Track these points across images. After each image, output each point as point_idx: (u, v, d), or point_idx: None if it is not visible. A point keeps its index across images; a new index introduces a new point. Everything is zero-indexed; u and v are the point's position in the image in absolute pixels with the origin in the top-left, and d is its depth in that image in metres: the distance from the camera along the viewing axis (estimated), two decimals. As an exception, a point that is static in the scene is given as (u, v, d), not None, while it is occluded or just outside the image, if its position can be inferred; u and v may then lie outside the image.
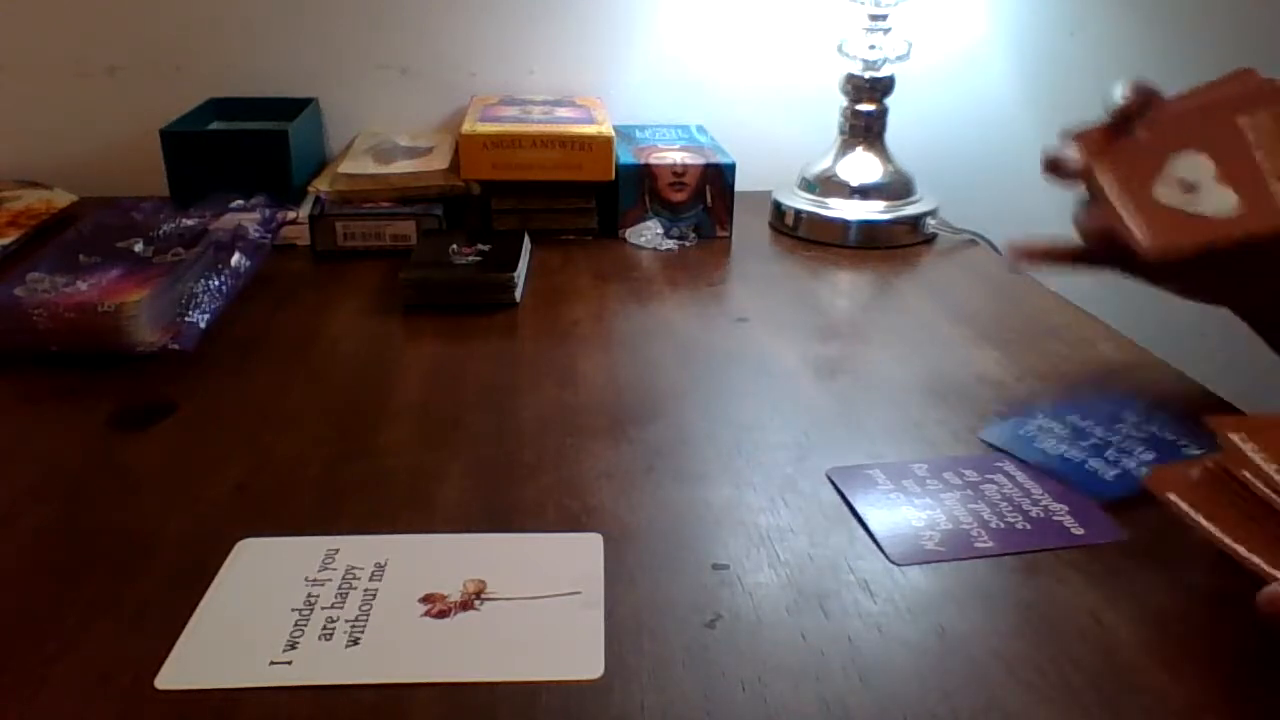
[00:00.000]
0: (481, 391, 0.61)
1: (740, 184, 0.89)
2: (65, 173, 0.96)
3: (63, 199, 0.90)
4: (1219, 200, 0.51)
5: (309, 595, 0.42)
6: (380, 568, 0.44)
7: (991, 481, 0.52)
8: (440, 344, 0.68)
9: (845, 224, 0.89)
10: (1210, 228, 0.51)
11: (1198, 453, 0.52)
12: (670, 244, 0.87)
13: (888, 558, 0.46)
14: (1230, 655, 0.40)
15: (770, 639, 0.41)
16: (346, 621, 0.41)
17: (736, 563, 0.45)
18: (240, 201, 0.81)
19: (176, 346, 0.62)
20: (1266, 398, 0.65)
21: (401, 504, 0.49)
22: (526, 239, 0.81)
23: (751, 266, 0.85)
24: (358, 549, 0.45)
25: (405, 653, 0.39)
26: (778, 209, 0.94)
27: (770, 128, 1.04)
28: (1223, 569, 0.45)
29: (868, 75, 0.89)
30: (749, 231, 0.92)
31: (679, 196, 0.89)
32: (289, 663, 0.39)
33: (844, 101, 0.92)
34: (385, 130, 1.00)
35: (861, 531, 0.48)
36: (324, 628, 0.40)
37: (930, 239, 0.91)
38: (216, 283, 0.69)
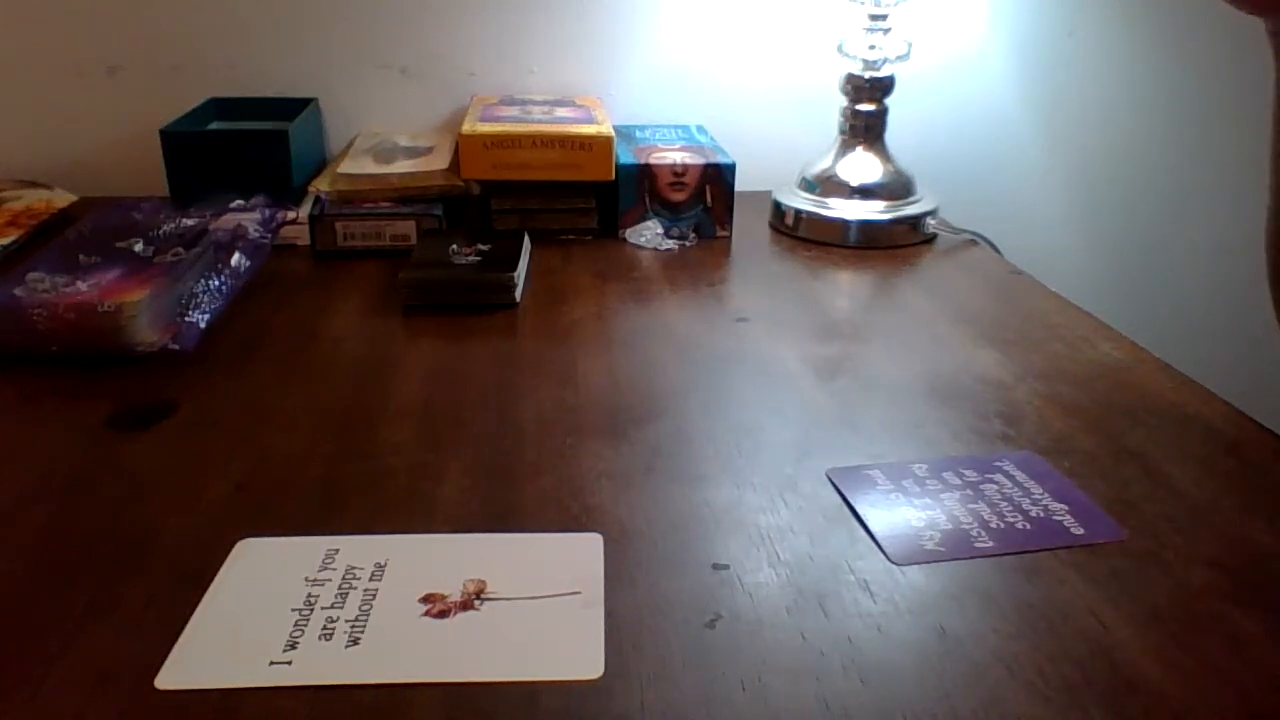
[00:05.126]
0: (481, 391, 0.61)
1: (740, 184, 0.89)
2: (65, 173, 0.96)
3: (63, 199, 0.90)
4: None
5: (309, 595, 0.42)
6: (380, 568, 0.44)
7: (991, 481, 0.52)
8: (440, 344, 0.68)
9: (845, 224, 0.89)
10: None
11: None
12: (670, 244, 0.87)
13: (888, 558, 0.46)
14: (1231, 655, 0.40)
15: (770, 639, 0.41)
16: (346, 621, 0.41)
17: (736, 563, 0.45)
18: (240, 201, 0.81)
19: (176, 346, 0.62)
20: (1266, 398, 0.65)
21: (401, 504, 0.49)
22: (526, 239, 0.81)
23: (751, 266, 0.85)
24: (358, 549, 0.45)
25: (405, 653, 0.39)
26: (778, 209, 0.94)
27: (770, 128, 1.04)
28: (1223, 568, 0.45)
29: (868, 75, 0.90)
30: (749, 231, 0.92)
31: (679, 196, 0.89)
32: (289, 663, 0.39)
33: (844, 101, 0.92)
34: (385, 130, 1.00)
35: (861, 531, 0.48)
36: (324, 628, 0.40)
37: (930, 239, 0.91)
38: (216, 283, 0.69)
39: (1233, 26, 0.56)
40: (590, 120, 0.90)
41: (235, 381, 0.62)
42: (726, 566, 0.45)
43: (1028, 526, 0.48)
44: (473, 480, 0.51)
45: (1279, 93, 0.53)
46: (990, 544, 0.47)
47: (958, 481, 0.52)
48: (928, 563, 0.46)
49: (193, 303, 0.66)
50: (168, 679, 0.38)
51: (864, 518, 0.49)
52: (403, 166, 0.89)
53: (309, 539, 0.46)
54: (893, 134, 0.92)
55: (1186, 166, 1.05)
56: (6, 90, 0.97)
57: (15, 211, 0.86)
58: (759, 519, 0.49)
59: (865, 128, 0.91)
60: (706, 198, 0.89)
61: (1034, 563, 0.46)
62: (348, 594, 0.42)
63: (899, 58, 0.89)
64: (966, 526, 0.48)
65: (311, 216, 0.83)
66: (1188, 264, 1.07)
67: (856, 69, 0.90)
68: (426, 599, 0.42)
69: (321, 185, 0.86)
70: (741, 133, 1.01)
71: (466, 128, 0.86)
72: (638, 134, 0.97)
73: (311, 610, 0.41)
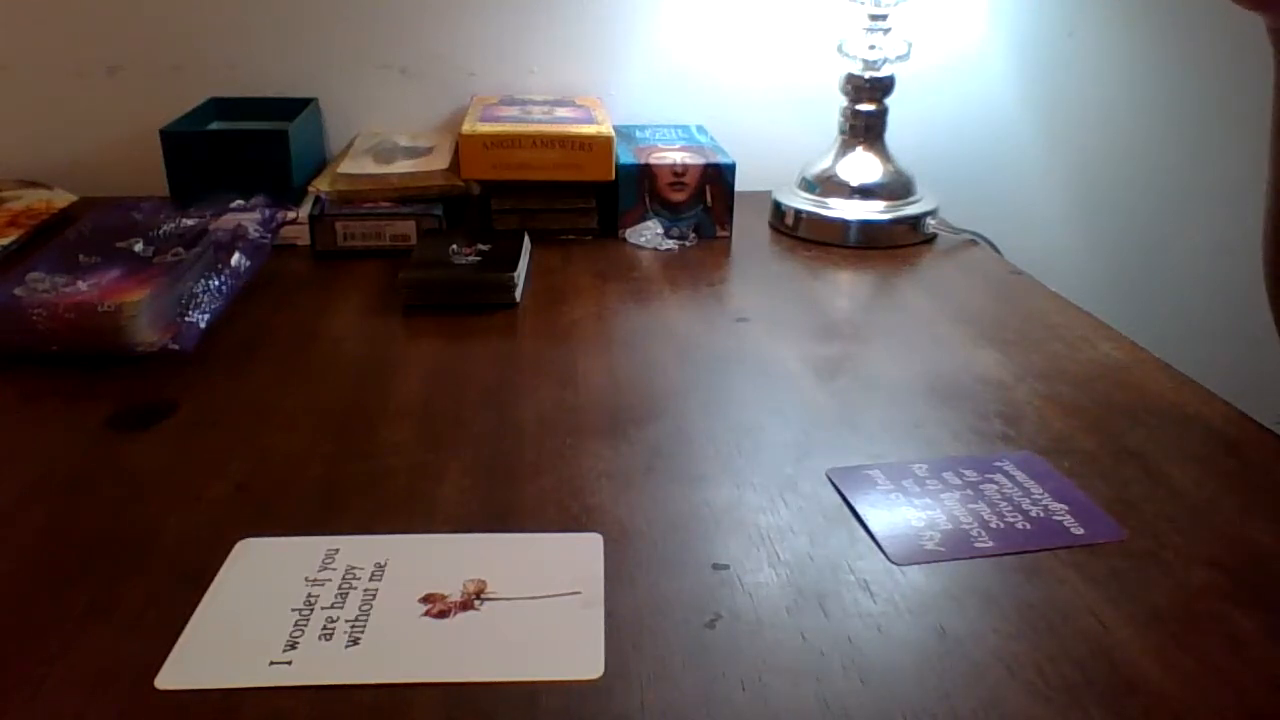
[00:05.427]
0: (481, 391, 0.61)
1: (740, 184, 0.89)
2: (65, 173, 0.96)
3: (63, 199, 0.90)
4: None
5: (309, 595, 0.42)
6: (380, 568, 0.44)
7: (991, 481, 0.52)
8: (440, 344, 0.68)
9: (845, 224, 0.89)
10: None
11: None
12: (670, 244, 0.87)
13: (888, 558, 0.46)
14: (1230, 655, 0.40)
15: (770, 639, 0.41)
16: (346, 621, 0.41)
17: (736, 563, 0.45)
18: (240, 201, 0.81)
19: (176, 346, 0.62)
20: (1266, 398, 0.65)
21: (401, 504, 0.49)
22: (526, 239, 0.81)
23: (751, 266, 0.85)
24: (358, 549, 0.45)
25: (405, 653, 0.39)
26: (778, 209, 0.94)
27: (770, 128, 1.04)
28: (1223, 568, 0.45)
29: (868, 75, 0.89)
30: (749, 231, 0.92)
31: (679, 196, 0.89)
32: (289, 663, 0.39)
33: (844, 101, 0.92)
34: (385, 130, 1.00)
35: (861, 531, 0.48)
36: (324, 628, 0.40)
37: (930, 239, 0.91)
38: (216, 283, 0.69)
39: (1233, 26, 0.56)
40: (590, 120, 0.90)
41: (235, 381, 0.62)
42: (726, 566, 0.45)
43: (1028, 526, 0.48)
44: (473, 480, 0.51)
45: (1279, 91, 0.53)
46: (990, 544, 0.47)
47: (958, 481, 0.52)
48: (928, 563, 0.46)
49: (193, 303, 0.66)
50: (168, 679, 0.38)
51: (864, 518, 0.49)
52: (403, 166, 0.89)
53: (309, 539, 0.46)
54: (893, 134, 0.92)
55: (1186, 166, 1.06)
56: (6, 90, 0.97)
57: (15, 211, 0.86)
58: (759, 519, 0.49)
59: (865, 128, 0.91)
60: (706, 198, 0.89)
61: (1034, 563, 0.46)
62: (348, 594, 0.42)
63: (899, 58, 0.89)
64: (966, 526, 0.48)
65: (311, 216, 0.83)
66: (1188, 264, 1.07)
67: (856, 69, 0.90)
68: (426, 599, 0.42)
69: (321, 185, 0.86)
70: (741, 133, 1.01)
71: (466, 128, 0.86)
72: (638, 134, 0.97)
73: (311, 610, 0.41)
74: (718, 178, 0.89)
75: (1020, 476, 0.52)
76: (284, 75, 0.99)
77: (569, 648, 0.40)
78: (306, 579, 0.43)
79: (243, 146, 0.88)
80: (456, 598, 0.42)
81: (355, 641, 0.40)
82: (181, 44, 0.98)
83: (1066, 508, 0.50)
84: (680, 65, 1.03)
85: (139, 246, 0.70)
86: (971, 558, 0.46)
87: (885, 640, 0.41)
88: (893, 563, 0.45)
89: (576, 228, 0.89)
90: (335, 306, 0.74)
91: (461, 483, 0.51)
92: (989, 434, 0.57)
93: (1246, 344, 0.79)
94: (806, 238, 0.91)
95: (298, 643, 0.40)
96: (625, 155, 0.89)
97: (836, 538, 0.47)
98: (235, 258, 0.72)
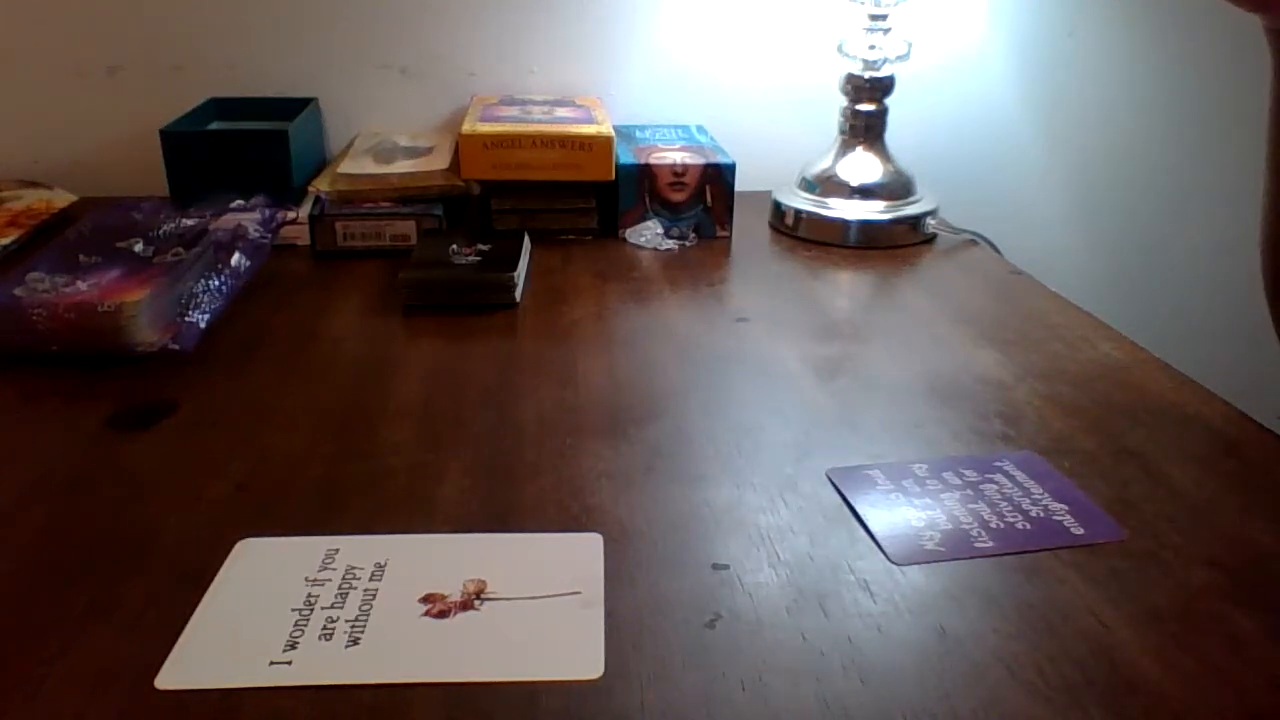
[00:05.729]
0: (481, 391, 0.61)
1: (740, 184, 0.89)
2: (65, 173, 0.96)
3: (63, 199, 0.90)
4: None
5: (309, 595, 0.42)
6: (380, 568, 0.44)
7: (991, 481, 0.52)
8: (440, 344, 0.68)
9: (845, 224, 0.89)
10: None
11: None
12: (670, 244, 0.87)
13: (888, 558, 0.46)
14: (1230, 655, 0.40)
15: (770, 639, 0.41)
16: (346, 621, 0.41)
17: (736, 563, 0.45)
18: (240, 201, 0.81)
19: (176, 346, 0.62)
20: (1266, 398, 0.65)
21: (401, 504, 0.49)
22: (526, 239, 0.81)
23: (751, 266, 0.85)
24: (358, 549, 0.46)
25: (405, 653, 0.39)
26: (778, 209, 0.94)
27: (770, 128, 1.04)
28: (1223, 568, 0.45)
29: (868, 75, 0.89)
30: (749, 231, 0.92)
31: (679, 196, 0.89)
32: (289, 663, 0.39)
33: (844, 101, 0.92)
34: (385, 130, 1.00)
35: (861, 531, 0.48)
36: (324, 628, 0.40)
37: (930, 239, 0.91)
38: (216, 283, 0.69)
39: (1233, 26, 0.56)
40: (590, 120, 0.90)
41: (235, 381, 0.62)
42: (726, 566, 0.45)
43: (1028, 526, 0.48)
44: (473, 480, 0.51)
45: (1276, 91, 0.53)
46: (990, 544, 0.47)
47: (958, 481, 0.52)
48: (928, 563, 0.46)
49: (193, 303, 0.66)
50: (168, 679, 0.38)
51: (864, 518, 0.49)
52: (403, 166, 0.89)
53: (309, 539, 0.46)
54: (893, 134, 0.92)
55: (1186, 166, 1.06)
56: (6, 90, 0.97)
57: (15, 211, 0.86)
58: (759, 519, 0.49)
59: (865, 128, 0.91)
60: (706, 198, 0.89)
61: (1034, 563, 0.46)
62: (348, 594, 0.42)
63: (899, 58, 0.89)
64: (966, 526, 0.48)
65: (311, 216, 0.83)
66: (1188, 264, 1.07)
67: (856, 69, 0.90)
68: (426, 599, 0.42)
69: (321, 185, 0.86)
70: (741, 133, 1.01)
71: (466, 128, 0.86)
72: (638, 134, 0.97)
73: (311, 610, 0.41)
74: (718, 178, 0.89)
75: (1020, 476, 0.52)
76: (284, 75, 0.99)
77: (569, 648, 0.40)
78: (306, 579, 0.43)
79: (243, 146, 0.88)
80: (456, 598, 0.42)
81: (355, 641, 0.40)
82: (181, 44, 0.98)
83: (1066, 508, 0.50)
84: (680, 65, 1.03)
85: (139, 246, 0.70)
86: (971, 558, 0.46)
87: (885, 640, 0.41)
88: (893, 563, 0.45)
89: (576, 228, 0.89)
90: (335, 306, 0.74)
91: (461, 483, 0.51)
92: (989, 434, 0.57)
93: (1246, 344, 0.79)
94: (806, 238, 0.91)
95: (298, 643, 0.40)
96: (625, 155, 0.89)
97: (836, 538, 0.47)
98: (235, 258, 0.72)
